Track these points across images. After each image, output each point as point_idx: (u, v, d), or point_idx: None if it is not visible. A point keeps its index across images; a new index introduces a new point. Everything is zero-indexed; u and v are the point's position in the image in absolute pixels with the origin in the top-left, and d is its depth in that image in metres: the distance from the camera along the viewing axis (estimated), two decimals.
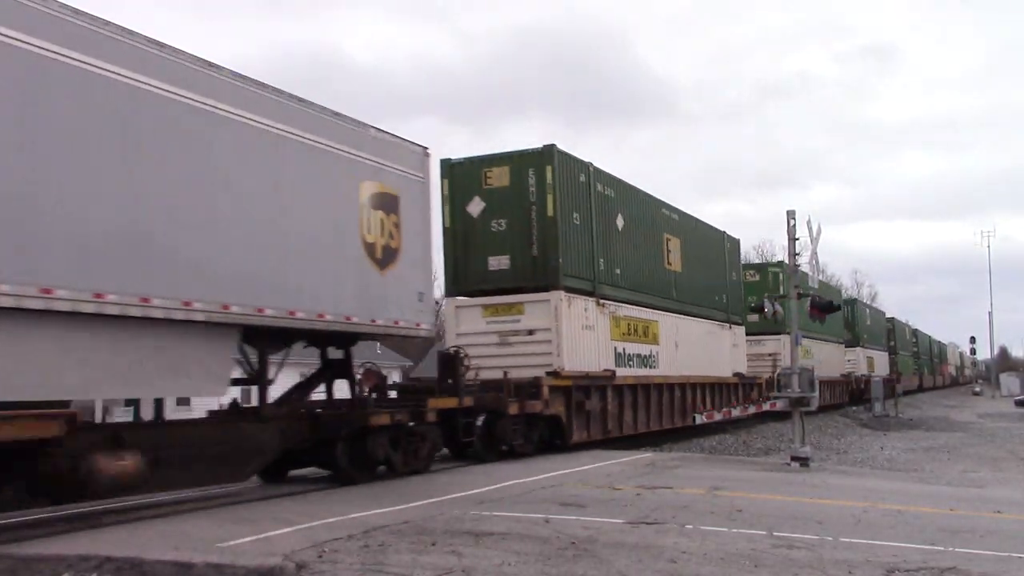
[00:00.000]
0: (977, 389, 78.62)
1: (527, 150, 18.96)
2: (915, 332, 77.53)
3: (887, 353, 58.55)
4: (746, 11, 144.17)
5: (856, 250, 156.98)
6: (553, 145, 18.85)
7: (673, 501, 11.60)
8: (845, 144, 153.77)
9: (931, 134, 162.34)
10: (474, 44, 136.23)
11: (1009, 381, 70.29)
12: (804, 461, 17.31)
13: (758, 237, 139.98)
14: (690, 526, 9.62)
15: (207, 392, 11.74)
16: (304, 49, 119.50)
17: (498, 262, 18.80)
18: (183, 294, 10.38)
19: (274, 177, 12.00)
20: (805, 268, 19.52)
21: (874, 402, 39.46)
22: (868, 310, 56.18)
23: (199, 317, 10.59)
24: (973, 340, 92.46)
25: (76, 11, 9.54)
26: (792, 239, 18.64)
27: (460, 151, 14.73)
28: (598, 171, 20.67)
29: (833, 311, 25.04)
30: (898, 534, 9.54)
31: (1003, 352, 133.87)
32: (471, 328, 18.41)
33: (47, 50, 9.15)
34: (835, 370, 41.44)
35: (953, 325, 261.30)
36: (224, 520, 9.97)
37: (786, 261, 19.77)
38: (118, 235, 9.75)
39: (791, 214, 18.54)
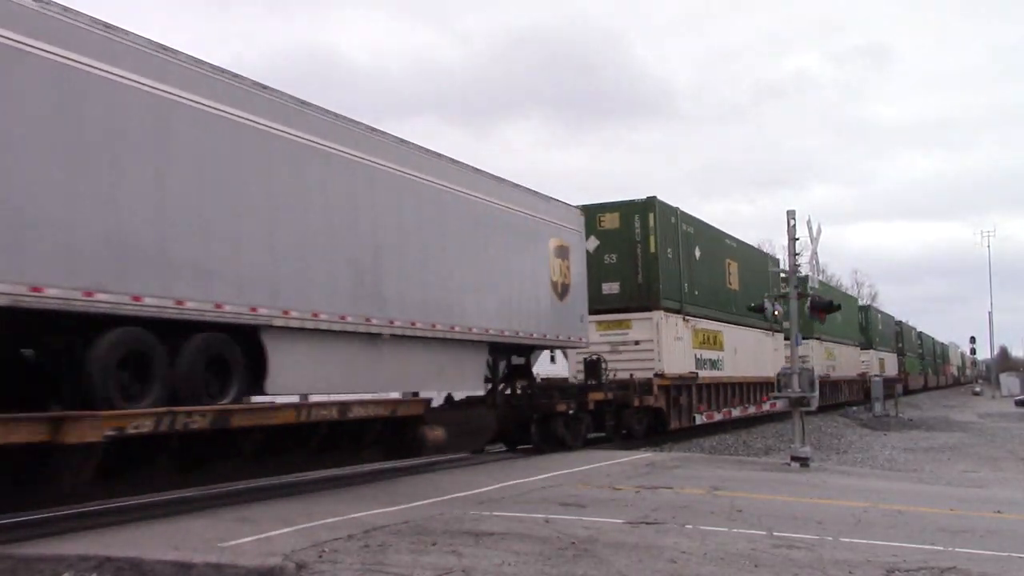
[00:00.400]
0: (977, 389, 78.64)
1: (634, 201, 24.09)
2: (920, 335, 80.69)
3: (896, 355, 62.33)
4: (742, 12, 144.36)
5: (856, 250, 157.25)
6: (654, 197, 24.05)
7: (673, 501, 11.60)
8: (843, 144, 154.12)
9: (929, 134, 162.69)
10: (471, 45, 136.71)
11: (1009, 381, 70.31)
12: (804, 461, 17.30)
13: (758, 237, 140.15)
14: (690, 526, 9.62)
15: (475, 389, 17.19)
16: (301, 49, 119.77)
17: (610, 287, 23.76)
18: (467, 324, 15.51)
19: (507, 244, 16.97)
20: (805, 268, 19.54)
21: (874, 402, 39.46)
22: (880, 315, 59.52)
23: (474, 338, 15.85)
24: (973, 340, 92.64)
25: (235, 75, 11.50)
26: (792, 239, 18.64)
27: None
28: (684, 214, 26.12)
29: (833, 311, 25.23)
30: (898, 534, 9.54)
31: (1003, 352, 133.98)
32: (590, 339, 21.58)
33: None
34: (852, 370, 46.56)
35: (953, 325, 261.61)
36: (224, 520, 9.96)
37: (786, 260, 19.78)
38: (434, 294, 14.64)
39: (791, 214, 18.54)
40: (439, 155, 15.22)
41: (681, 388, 24.56)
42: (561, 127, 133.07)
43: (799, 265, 19.03)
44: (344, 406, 12.71)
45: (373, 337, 13.34)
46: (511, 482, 13.33)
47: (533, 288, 17.79)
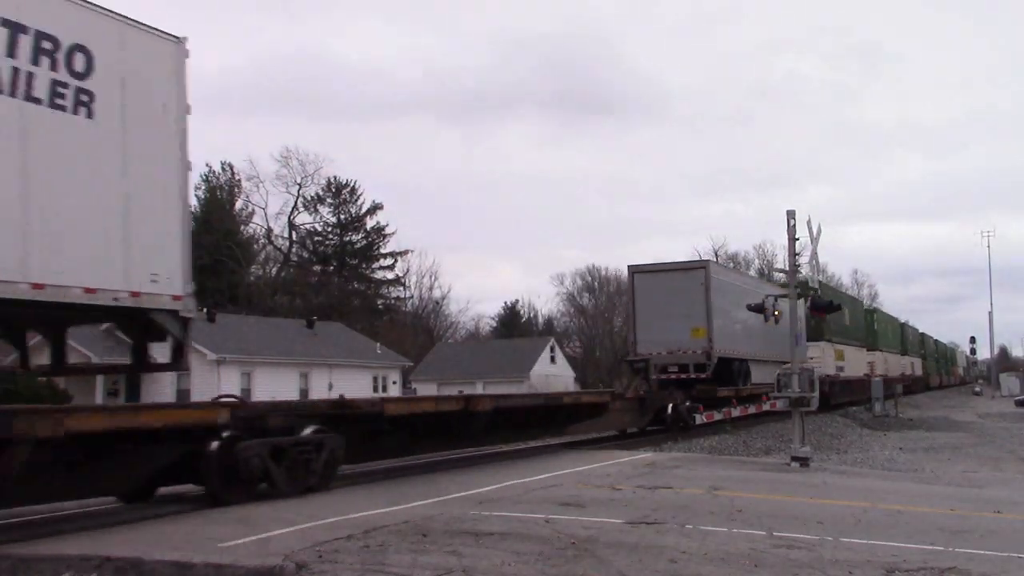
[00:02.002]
0: (977, 389, 78.66)
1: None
2: (936, 341, 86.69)
3: (921, 359, 70.40)
4: (736, 14, 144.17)
5: (855, 250, 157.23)
6: (821, 280, 32.33)
7: (673, 501, 11.60)
8: (839, 145, 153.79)
9: (927, 134, 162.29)
10: (466, 46, 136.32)
11: (1009, 381, 70.30)
12: (804, 461, 17.30)
13: (757, 238, 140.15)
14: (690, 526, 9.62)
15: None
16: (296, 49, 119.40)
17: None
18: None
19: None
20: (805, 268, 19.54)
21: (874, 402, 39.41)
22: (886, 317, 62.68)
23: None
24: (973, 340, 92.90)
25: None
26: (792, 239, 18.64)
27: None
28: (831, 289, 37.00)
29: (833, 311, 25.36)
30: (898, 534, 9.54)
31: (1003, 352, 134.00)
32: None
33: None
34: (860, 371, 48.92)
35: (953, 325, 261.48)
36: (224, 520, 9.96)
37: (786, 262, 19.78)
38: None
39: (791, 214, 18.53)
40: None
41: (830, 383, 36.51)
42: (557, 128, 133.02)
43: (799, 265, 19.02)
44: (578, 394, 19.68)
45: None
46: (511, 482, 13.33)
47: None
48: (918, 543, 8.99)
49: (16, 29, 9.90)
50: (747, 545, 8.60)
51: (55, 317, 11.47)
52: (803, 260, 19.05)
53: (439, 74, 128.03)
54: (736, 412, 29.35)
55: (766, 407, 30.12)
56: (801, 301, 19.32)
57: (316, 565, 7.55)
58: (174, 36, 12.25)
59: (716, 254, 79.41)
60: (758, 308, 19.93)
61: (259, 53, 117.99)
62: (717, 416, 27.82)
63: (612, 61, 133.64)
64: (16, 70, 9.94)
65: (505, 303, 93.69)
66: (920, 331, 75.22)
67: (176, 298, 11.93)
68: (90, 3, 11.10)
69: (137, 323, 12.00)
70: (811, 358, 34.50)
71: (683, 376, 25.10)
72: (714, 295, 25.08)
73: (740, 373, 27.27)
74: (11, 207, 9.91)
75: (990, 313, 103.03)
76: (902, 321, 66.20)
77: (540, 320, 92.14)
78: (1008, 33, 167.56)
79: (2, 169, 9.84)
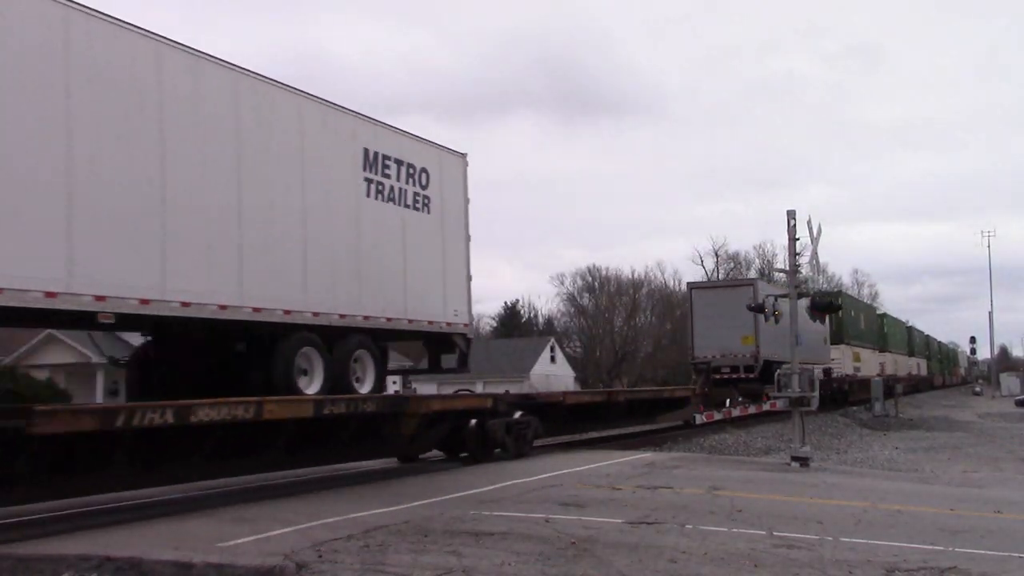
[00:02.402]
0: (977, 389, 78.70)
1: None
2: (939, 343, 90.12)
3: (926, 360, 73.71)
4: (730, 13, 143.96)
5: (855, 250, 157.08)
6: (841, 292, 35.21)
7: (673, 501, 11.60)
8: (836, 145, 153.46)
9: (921, 135, 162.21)
10: (461, 44, 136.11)
11: (1009, 381, 70.32)
12: (804, 461, 17.30)
13: (757, 237, 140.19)
14: (690, 526, 9.62)
15: None
16: (292, 49, 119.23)
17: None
18: None
19: None
20: (805, 268, 19.53)
21: (874, 402, 39.38)
22: (907, 326, 67.73)
23: None
24: (973, 340, 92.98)
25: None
26: (792, 239, 18.63)
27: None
28: (851, 299, 43.00)
29: (832, 311, 25.40)
30: (898, 534, 9.54)
31: (1003, 352, 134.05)
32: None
33: None
34: (873, 371, 52.99)
35: (953, 325, 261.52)
36: (224, 520, 9.97)
37: (786, 262, 19.77)
38: None
39: (791, 214, 18.52)
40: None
41: (850, 381, 42.61)
42: (554, 125, 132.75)
43: (799, 265, 19.01)
44: (674, 389, 22.97)
45: None
46: (511, 482, 13.33)
47: None
48: (918, 543, 8.99)
49: (399, 163, 15.59)
50: (747, 545, 8.60)
51: (408, 335, 16.61)
52: (803, 260, 19.02)
53: (435, 74, 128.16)
54: (736, 412, 29.38)
55: (766, 407, 30.16)
56: (804, 302, 19.28)
57: (316, 565, 7.55)
58: (462, 152, 17.63)
59: (716, 254, 79.41)
60: (758, 308, 19.92)
61: (255, 53, 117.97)
62: (717, 416, 27.86)
63: (610, 60, 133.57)
64: (400, 188, 15.65)
65: (505, 303, 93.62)
66: (925, 333, 78.69)
67: (465, 325, 17.53)
68: (429, 141, 16.68)
69: (443, 342, 17.22)
70: (833, 359, 39.22)
71: (735, 376, 29.66)
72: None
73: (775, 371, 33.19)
74: (398, 273, 15.49)
75: (990, 313, 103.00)
76: (908, 324, 69.21)
77: (540, 320, 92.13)
78: (1008, 33, 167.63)
79: (393, 249, 15.39)
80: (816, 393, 17.91)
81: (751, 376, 29.40)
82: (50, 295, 9.66)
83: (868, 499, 12.35)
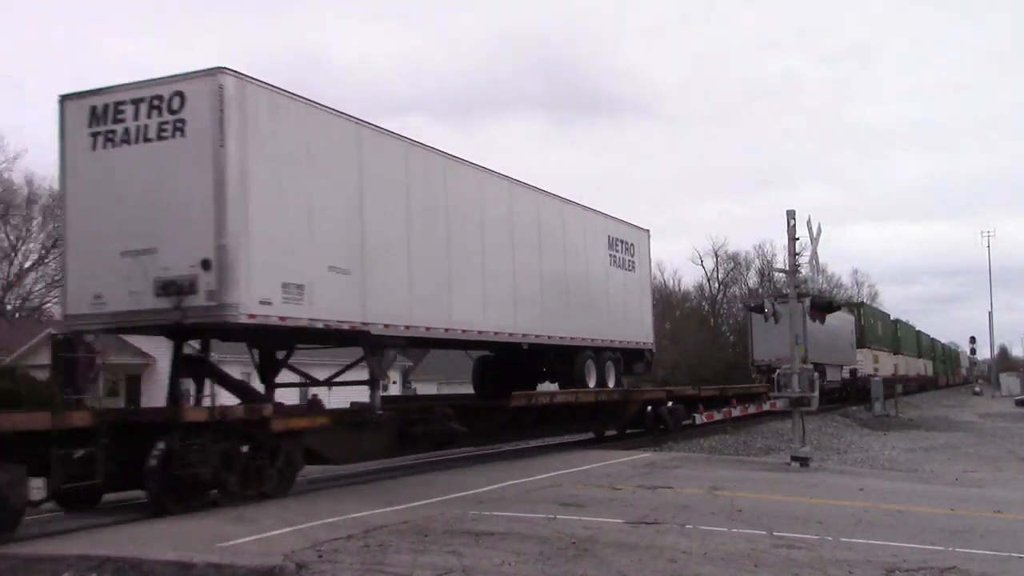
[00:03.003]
0: (977, 389, 78.70)
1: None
2: (945, 346, 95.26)
3: (931, 361, 78.75)
4: (727, 13, 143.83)
5: (854, 250, 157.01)
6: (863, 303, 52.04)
7: (673, 501, 11.60)
8: (834, 145, 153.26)
9: (919, 135, 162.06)
10: (457, 44, 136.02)
11: (1009, 381, 70.29)
12: (804, 461, 17.30)
13: (756, 237, 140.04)
14: (690, 526, 9.62)
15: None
16: (287, 49, 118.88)
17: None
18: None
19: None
20: (805, 268, 19.53)
21: (874, 402, 39.38)
22: (906, 326, 70.85)
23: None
24: (973, 340, 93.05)
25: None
26: (792, 239, 18.63)
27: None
28: (871, 309, 51.63)
29: (832, 311, 25.53)
30: (898, 534, 9.54)
31: (1003, 352, 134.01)
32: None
33: None
34: (888, 371, 57.27)
35: (953, 325, 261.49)
36: (224, 520, 9.97)
37: (786, 262, 19.78)
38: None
39: (791, 214, 18.52)
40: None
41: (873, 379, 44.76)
42: (550, 127, 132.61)
43: (799, 265, 19.01)
44: (747, 387, 25.79)
45: None
46: (511, 482, 13.33)
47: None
48: (918, 543, 8.99)
49: (622, 242, 22.93)
50: (747, 545, 8.60)
51: (626, 351, 23.09)
52: (803, 260, 19.02)
53: (432, 75, 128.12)
54: (736, 412, 29.39)
55: (766, 407, 30.18)
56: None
57: (316, 565, 7.55)
58: (646, 228, 24.82)
59: (716, 254, 79.20)
60: (758, 308, 19.93)
61: (251, 54, 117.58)
62: (717, 416, 27.85)
63: (608, 61, 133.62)
64: (622, 257, 22.89)
65: None
66: (931, 336, 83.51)
67: (649, 343, 24.64)
68: (634, 224, 23.95)
69: (638, 354, 23.73)
70: (858, 361, 46.09)
71: None
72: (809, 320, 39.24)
73: (820, 373, 38.85)
74: (623, 312, 22.66)
75: (990, 313, 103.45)
76: (917, 329, 74.12)
77: None
78: (1008, 32, 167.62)
79: (621, 298, 22.59)
80: (816, 393, 17.91)
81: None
82: (481, 332, 16.81)
83: (868, 499, 12.35)
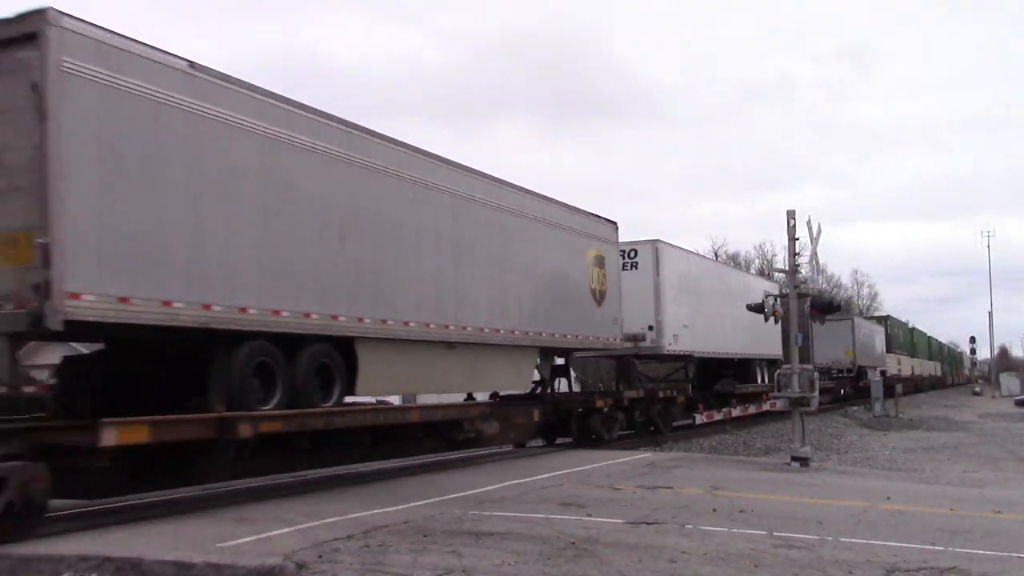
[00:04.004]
0: (977, 389, 78.69)
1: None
2: (949, 348, 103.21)
3: (940, 362, 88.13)
4: (724, 13, 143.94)
5: (853, 250, 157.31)
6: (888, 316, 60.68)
7: (673, 501, 11.60)
8: (832, 146, 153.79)
9: (925, 135, 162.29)
10: (454, 46, 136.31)
11: (1009, 381, 70.27)
12: (804, 461, 17.30)
13: (757, 237, 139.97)
14: (690, 526, 9.62)
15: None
16: (284, 50, 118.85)
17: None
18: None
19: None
20: (805, 268, 19.55)
21: (874, 402, 39.38)
22: (927, 336, 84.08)
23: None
24: (973, 340, 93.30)
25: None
26: (792, 239, 18.62)
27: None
28: (896, 320, 63.33)
29: (832, 311, 25.51)
30: (898, 534, 9.54)
31: (1003, 352, 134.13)
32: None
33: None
34: (907, 372, 66.96)
35: (953, 325, 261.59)
36: (224, 520, 9.96)
37: (786, 262, 19.78)
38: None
39: (791, 214, 18.51)
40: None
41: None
42: (547, 127, 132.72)
43: (799, 265, 19.01)
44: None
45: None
46: (511, 482, 13.33)
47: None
48: (918, 543, 8.99)
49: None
50: (747, 545, 8.60)
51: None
52: (803, 260, 19.02)
53: (429, 76, 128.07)
54: (736, 412, 29.40)
55: (766, 407, 30.19)
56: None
57: (316, 565, 7.55)
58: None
59: (716, 254, 79.29)
60: (758, 308, 19.91)
61: (248, 54, 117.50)
62: (717, 416, 27.87)
63: (605, 61, 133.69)
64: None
65: None
66: (939, 340, 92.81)
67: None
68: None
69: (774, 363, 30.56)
70: (887, 364, 55.52)
71: (840, 375, 46.63)
72: (858, 333, 47.56)
73: (863, 373, 48.47)
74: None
75: (990, 313, 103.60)
76: (929, 335, 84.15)
77: None
78: (1009, 32, 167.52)
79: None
80: (816, 393, 17.90)
81: (851, 375, 47.00)
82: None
83: (868, 499, 12.35)
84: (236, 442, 10.64)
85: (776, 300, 19.65)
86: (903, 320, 78.12)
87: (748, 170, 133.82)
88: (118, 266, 9.48)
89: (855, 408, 41.31)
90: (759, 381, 32.53)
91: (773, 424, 28.87)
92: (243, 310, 10.90)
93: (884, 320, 62.29)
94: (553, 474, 14.45)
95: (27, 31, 9.12)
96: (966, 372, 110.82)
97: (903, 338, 66.00)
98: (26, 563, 7.87)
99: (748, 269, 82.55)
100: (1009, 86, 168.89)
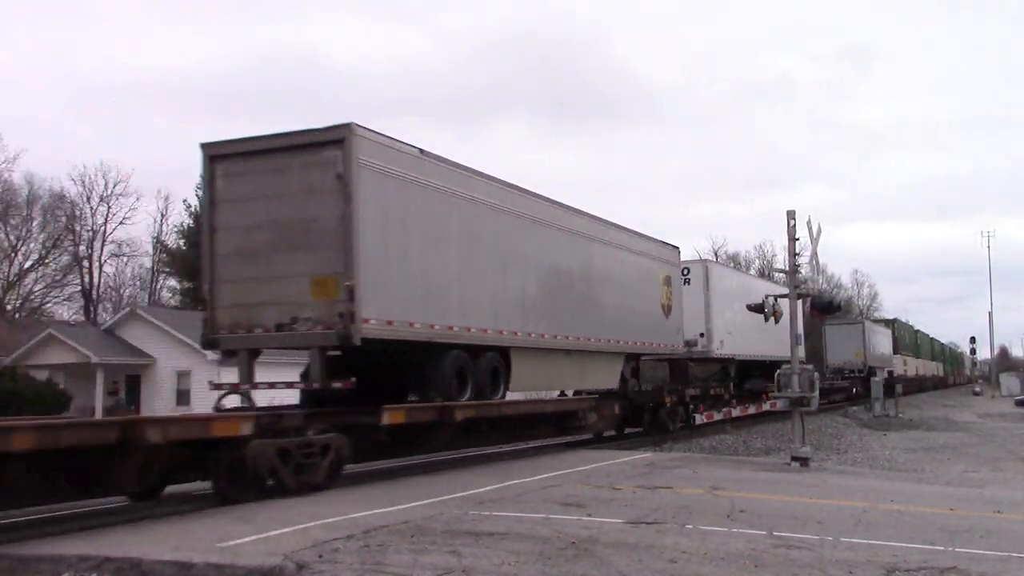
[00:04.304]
0: (977, 389, 78.73)
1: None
2: (951, 349, 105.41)
3: (942, 363, 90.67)
4: (722, 14, 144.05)
5: (853, 250, 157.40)
6: (898, 317, 68.95)
7: (673, 501, 11.60)
8: (831, 146, 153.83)
9: (924, 134, 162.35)
10: (453, 46, 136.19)
11: (1009, 381, 70.30)
12: (804, 461, 17.30)
13: (756, 237, 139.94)
14: (690, 526, 9.61)
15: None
16: (283, 51, 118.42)
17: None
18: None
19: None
20: (805, 268, 19.58)
21: (874, 402, 39.38)
22: (930, 338, 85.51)
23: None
24: (973, 340, 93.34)
25: None
26: (792, 239, 18.63)
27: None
28: (902, 323, 70.48)
29: (832, 311, 25.64)
30: (898, 534, 9.54)
31: (1003, 352, 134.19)
32: None
33: None
34: (913, 372, 71.24)
35: (953, 325, 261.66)
36: (224, 520, 9.96)
37: (786, 262, 19.79)
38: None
39: (791, 214, 18.52)
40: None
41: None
42: (546, 127, 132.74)
43: (799, 265, 19.02)
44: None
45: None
46: (511, 482, 13.32)
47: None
48: (918, 543, 8.99)
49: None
50: (747, 545, 8.60)
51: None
52: (803, 260, 19.05)
53: (428, 76, 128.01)
54: (736, 412, 29.41)
55: (766, 407, 30.21)
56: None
57: (316, 565, 7.55)
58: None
59: (716, 254, 79.47)
60: (758, 308, 19.93)
61: (246, 55, 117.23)
62: (717, 416, 27.89)
63: (604, 61, 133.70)
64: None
65: None
66: (941, 341, 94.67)
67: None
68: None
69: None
70: (895, 364, 58.59)
71: (852, 375, 49.19)
72: (868, 336, 50.84)
73: (873, 373, 49.19)
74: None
75: (990, 313, 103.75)
76: (932, 337, 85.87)
77: None
78: (1009, 32, 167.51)
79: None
80: (816, 393, 17.91)
81: (862, 375, 48.33)
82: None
83: (868, 499, 12.35)
84: (454, 424, 14.65)
85: (775, 300, 19.68)
86: (906, 322, 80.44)
87: (748, 170, 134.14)
88: (386, 299, 13.43)
89: (855, 408, 41.27)
90: None
91: (773, 424, 28.86)
92: (450, 328, 15.01)
93: (892, 323, 66.01)
94: (553, 474, 14.45)
95: (335, 137, 13.10)
96: (967, 372, 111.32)
97: (909, 340, 69.57)
98: (26, 563, 7.87)
99: (748, 269, 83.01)
100: (1009, 86, 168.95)
